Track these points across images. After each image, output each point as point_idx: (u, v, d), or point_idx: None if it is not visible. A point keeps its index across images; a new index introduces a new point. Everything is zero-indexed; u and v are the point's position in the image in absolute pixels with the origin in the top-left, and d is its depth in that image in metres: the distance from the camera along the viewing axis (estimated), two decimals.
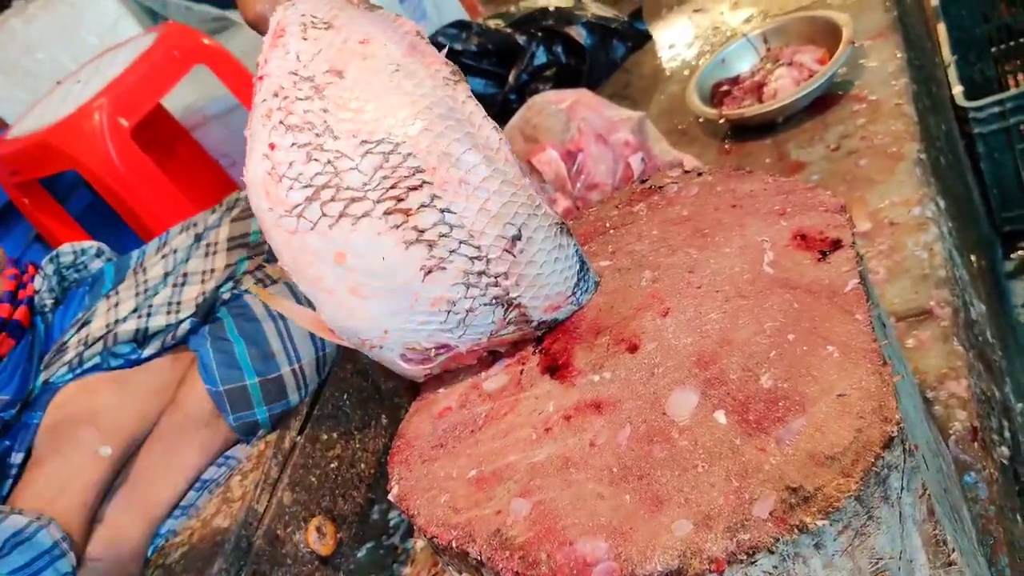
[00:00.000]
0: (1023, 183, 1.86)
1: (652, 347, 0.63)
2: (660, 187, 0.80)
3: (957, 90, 1.77)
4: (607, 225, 0.80)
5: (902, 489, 0.50)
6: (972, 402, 0.84)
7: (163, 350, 1.05)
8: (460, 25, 2.06)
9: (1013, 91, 1.73)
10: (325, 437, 1.05)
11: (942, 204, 1.12)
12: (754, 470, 0.52)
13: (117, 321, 1.04)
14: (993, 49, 2.10)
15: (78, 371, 1.00)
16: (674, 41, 1.91)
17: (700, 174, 0.78)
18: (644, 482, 0.55)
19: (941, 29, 1.95)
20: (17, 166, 1.80)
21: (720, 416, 0.56)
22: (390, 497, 0.67)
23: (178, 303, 1.04)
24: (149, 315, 1.03)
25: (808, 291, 0.60)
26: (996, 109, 1.76)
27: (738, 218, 0.70)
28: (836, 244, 0.62)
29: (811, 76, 1.36)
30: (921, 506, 0.53)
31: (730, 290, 0.63)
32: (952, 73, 1.83)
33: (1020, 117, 1.75)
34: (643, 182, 0.83)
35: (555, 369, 0.67)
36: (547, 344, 0.70)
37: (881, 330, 0.58)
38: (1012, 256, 2.00)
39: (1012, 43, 2.08)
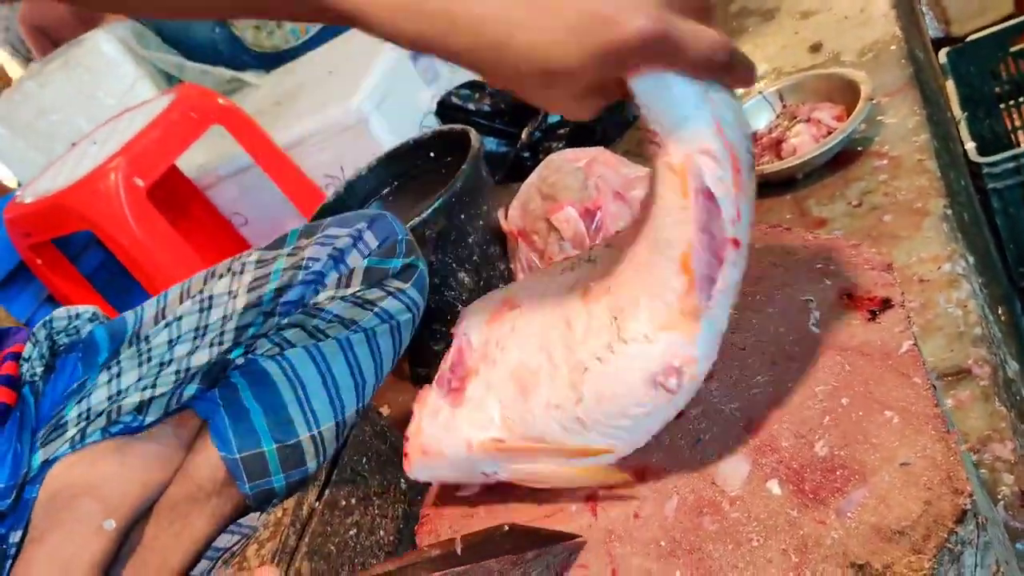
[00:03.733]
0: None
1: (696, 412, 0.60)
2: None
3: (970, 146, 1.78)
4: None
5: (976, 567, 0.47)
6: (1020, 465, 0.81)
7: (166, 415, 1.01)
8: (472, 85, 2.08)
9: None
10: (343, 503, 1.02)
11: (971, 260, 1.10)
12: (814, 545, 0.49)
13: (120, 392, 1.00)
14: (1002, 105, 2.12)
15: (79, 446, 0.96)
16: None
17: None
18: (695, 557, 0.52)
19: (950, 86, 1.97)
20: (31, 227, 1.80)
21: (774, 486, 0.53)
22: None
23: (187, 369, 1.01)
24: (155, 386, 0.99)
25: (860, 353, 0.58)
26: (1011, 164, 1.76)
27: (779, 276, 0.68)
28: (886, 303, 0.60)
29: (830, 133, 1.36)
30: None
31: (776, 352, 0.61)
32: (963, 129, 1.83)
33: None
34: None
35: None
36: None
37: (939, 394, 0.56)
38: None
39: (1021, 99, 2.09)
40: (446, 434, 0.66)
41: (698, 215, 0.52)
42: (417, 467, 0.70)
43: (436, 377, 0.72)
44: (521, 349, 0.64)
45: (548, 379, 0.60)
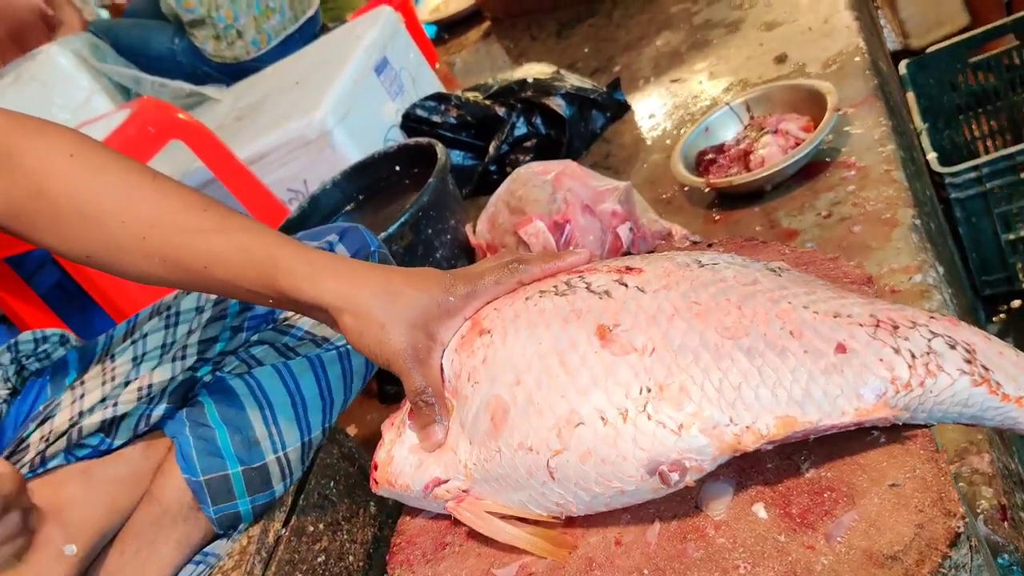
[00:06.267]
0: (1002, 247, 1.87)
1: None
2: None
3: (931, 156, 1.79)
4: None
5: None
6: (997, 478, 0.80)
7: (135, 437, 0.98)
8: (438, 97, 2.06)
9: (988, 156, 1.75)
10: (311, 529, 0.98)
11: (941, 270, 1.11)
12: (804, 571, 0.47)
13: (82, 413, 0.96)
14: (961, 116, 2.15)
15: (40, 470, 0.92)
16: (653, 111, 1.92)
17: (710, 245, 0.75)
18: None
19: (911, 97, 1.99)
20: None
21: (760, 510, 0.52)
22: None
23: (149, 386, 0.97)
24: (116, 405, 0.96)
25: None
26: (972, 174, 1.78)
27: None
28: None
29: (797, 144, 1.36)
30: None
31: None
32: (925, 140, 1.86)
33: (996, 181, 1.77)
34: (650, 253, 0.79)
35: None
36: None
37: None
38: (994, 320, 2.00)
39: (980, 110, 2.12)
40: (416, 472, 0.65)
41: None
42: (383, 491, 0.70)
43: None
44: (494, 382, 0.60)
45: (524, 418, 0.57)
